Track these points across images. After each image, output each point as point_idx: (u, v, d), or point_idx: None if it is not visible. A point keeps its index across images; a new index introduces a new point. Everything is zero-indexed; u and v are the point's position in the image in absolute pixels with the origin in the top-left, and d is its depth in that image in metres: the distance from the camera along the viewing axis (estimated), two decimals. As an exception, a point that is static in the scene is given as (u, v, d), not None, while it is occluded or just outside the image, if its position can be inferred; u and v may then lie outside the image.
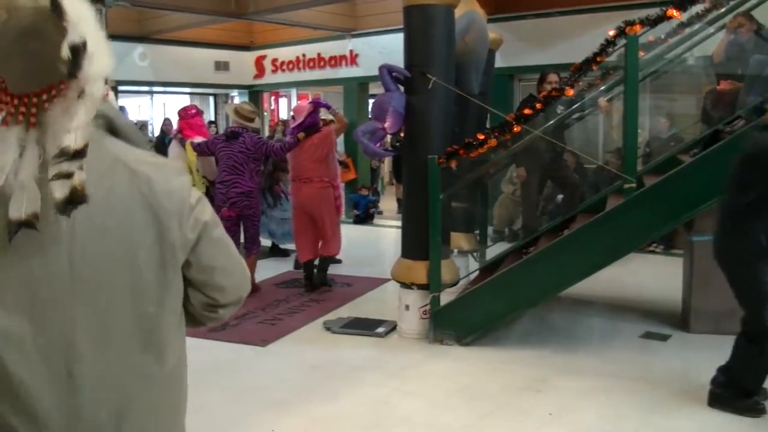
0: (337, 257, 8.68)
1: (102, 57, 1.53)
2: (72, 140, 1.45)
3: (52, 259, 1.52)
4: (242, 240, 7.91)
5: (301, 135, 7.76)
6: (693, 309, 6.19)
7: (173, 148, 8.84)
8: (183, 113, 8.84)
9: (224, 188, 7.68)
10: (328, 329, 6.52)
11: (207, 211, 1.68)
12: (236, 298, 1.83)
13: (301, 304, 7.47)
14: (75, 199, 1.43)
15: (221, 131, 15.51)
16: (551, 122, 6.67)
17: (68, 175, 1.43)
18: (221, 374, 5.50)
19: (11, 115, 1.50)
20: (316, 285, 8.05)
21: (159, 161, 1.67)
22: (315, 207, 7.96)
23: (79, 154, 1.45)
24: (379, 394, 5.03)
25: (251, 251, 7.94)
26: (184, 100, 18.26)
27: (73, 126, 1.46)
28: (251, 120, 7.96)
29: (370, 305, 7.34)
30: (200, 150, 8.12)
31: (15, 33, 1.49)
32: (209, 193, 7.99)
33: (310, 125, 7.84)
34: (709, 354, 5.12)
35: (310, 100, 9.05)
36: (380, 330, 6.36)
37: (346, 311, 7.11)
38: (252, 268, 7.90)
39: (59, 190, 1.42)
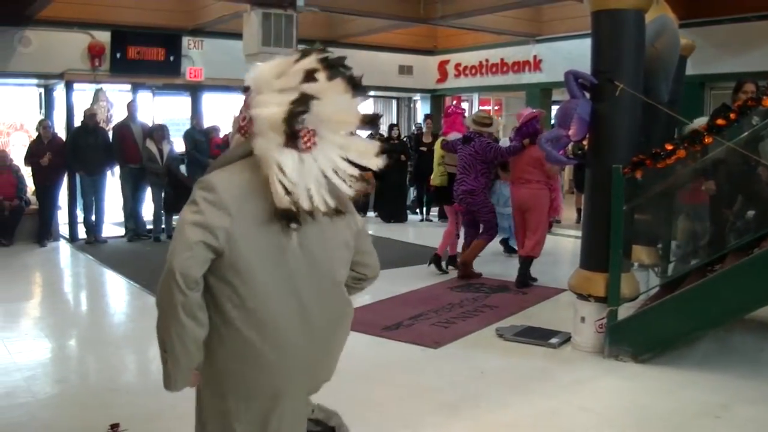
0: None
1: (328, 110, 2.34)
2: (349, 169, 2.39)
3: (308, 237, 2.38)
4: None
5: (526, 141, 8.38)
6: None
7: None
8: (444, 111, 10.24)
9: (456, 185, 8.85)
10: (500, 336, 6.48)
11: (359, 217, 2.64)
12: (374, 275, 2.75)
13: (474, 308, 7.47)
14: (338, 210, 2.41)
15: (404, 133, 15.88)
16: (745, 134, 6.32)
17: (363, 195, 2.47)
18: (394, 372, 5.61)
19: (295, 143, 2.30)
20: (518, 285, 8.56)
21: None
22: (529, 206, 8.52)
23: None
24: (550, 406, 4.95)
25: (481, 235, 8.87)
26: (368, 104, 18.66)
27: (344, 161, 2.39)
28: (487, 125, 8.92)
29: (544, 315, 7.25)
30: (445, 147, 9.24)
31: None
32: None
33: (533, 133, 8.38)
34: None
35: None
36: (554, 341, 6.26)
37: (519, 319, 7.05)
38: (476, 250, 8.93)
39: (327, 203, 2.34)
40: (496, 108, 19.40)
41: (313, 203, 2.30)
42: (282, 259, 2.34)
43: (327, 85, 2.34)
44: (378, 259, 2.73)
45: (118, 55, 12.65)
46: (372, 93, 17.67)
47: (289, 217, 2.28)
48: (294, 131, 2.27)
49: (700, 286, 5.61)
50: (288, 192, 2.25)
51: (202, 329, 2.31)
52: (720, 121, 5.63)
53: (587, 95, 6.05)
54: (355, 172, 2.39)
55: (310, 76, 2.32)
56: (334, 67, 2.36)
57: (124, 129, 11.82)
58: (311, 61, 2.35)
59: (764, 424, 4.67)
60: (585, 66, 6.18)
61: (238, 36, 11.84)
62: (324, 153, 2.34)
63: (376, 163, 2.41)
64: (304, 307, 2.39)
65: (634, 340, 5.77)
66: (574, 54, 12.47)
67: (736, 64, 11.09)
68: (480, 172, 8.63)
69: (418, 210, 15.26)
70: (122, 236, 11.99)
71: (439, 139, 9.59)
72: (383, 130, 16.19)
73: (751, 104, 5.68)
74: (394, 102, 18.35)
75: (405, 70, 16.91)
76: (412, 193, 15.55)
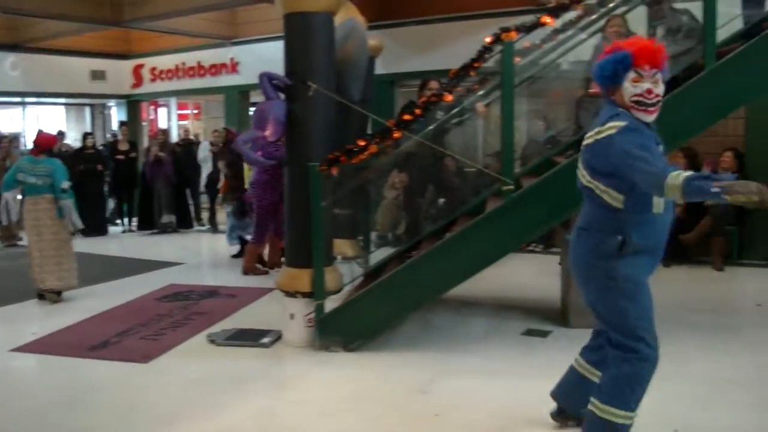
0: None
1: None
2: None
3: None
4: None
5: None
6: (571, 305, 6.39)
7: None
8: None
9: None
10: (212, 342, 6.40)
11: None
12: None
13: (184, 317, 7.32)
14: None
15: (99, 142, 15.17)
16: (430, 127, 6.75)
17: None
18: (104, 393, 5.34)
19: None
20: None
21: None
22: None
23: None
24: (267, 405, 4.98)
25: (252, 239, 9.64)
26: (59, 112, 17.66)
27: None
28: None
29: (255, 316, 7.27)
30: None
31: None
32: None
33: None
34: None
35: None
36: (265, 340, 6.30)
37: (230, 323, 7.00)
38: (251, 256, 9.62)
39: None
40: (195, 112, 19.15)
41: None
42: None
43: None
44: None
45: None
46: (62, 100, 16.76)
47: None
48: None
49: (399, 273, 5.93)
50: None
51: None
52: (406, 117, 5.97)
53: (282, 96, 6.15)
54: None
55: None
56: None
57: None
58: None
59: (467, 392, 5.03)
60: (280, 68, 6.27)
61: None
62: None
63: None
64: None
65: (343, 330, 5.97)
66: (269, 56, 12.58)
67: (422, 63, 11.76)
68: (263, 169, 9.04)
69: (119, 221, 14.67)
70: None
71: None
72: (77, 138, 15.44)
73: (434, 100, 6.08)
74: (88, 109, 17.52)
75: (97, 75, 16.18)
76: (111, 203, 14.88)
